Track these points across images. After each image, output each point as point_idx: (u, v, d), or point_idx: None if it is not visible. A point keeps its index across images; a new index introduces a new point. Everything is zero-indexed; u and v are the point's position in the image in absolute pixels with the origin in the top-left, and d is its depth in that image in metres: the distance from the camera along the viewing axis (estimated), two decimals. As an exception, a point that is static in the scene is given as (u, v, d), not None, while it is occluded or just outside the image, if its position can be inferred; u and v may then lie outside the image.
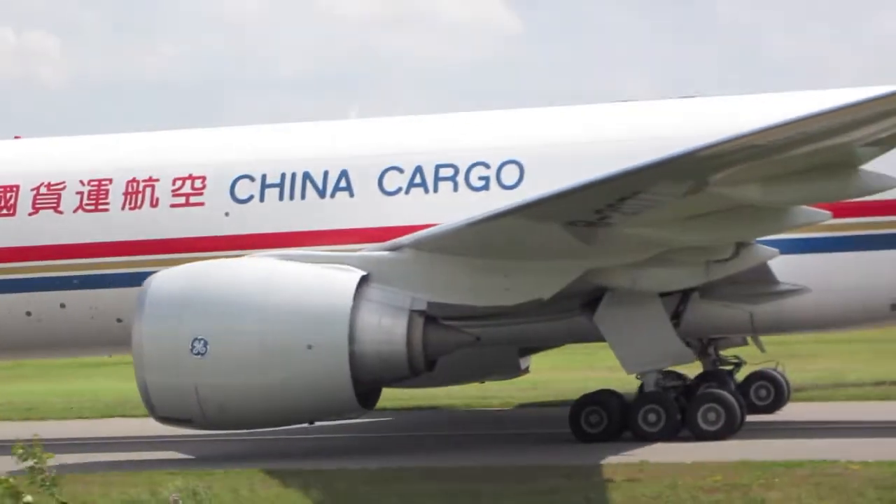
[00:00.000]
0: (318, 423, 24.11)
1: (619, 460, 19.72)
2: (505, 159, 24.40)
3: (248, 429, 23.41)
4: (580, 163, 21.80)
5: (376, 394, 23.41)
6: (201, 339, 21.76)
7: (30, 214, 25.47)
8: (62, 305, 24.93)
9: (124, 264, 24.84)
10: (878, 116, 17.66)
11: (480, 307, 22.69)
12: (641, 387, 23.39)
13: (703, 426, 22.82)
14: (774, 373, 28.76)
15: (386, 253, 22.85)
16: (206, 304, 22.08)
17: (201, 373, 21.79)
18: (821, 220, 21.47)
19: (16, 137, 28.77)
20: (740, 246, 22.20)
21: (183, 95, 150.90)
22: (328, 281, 22.22)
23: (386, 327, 21.83)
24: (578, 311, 23.47)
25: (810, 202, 20.91)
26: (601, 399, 24.01)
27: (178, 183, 25.26)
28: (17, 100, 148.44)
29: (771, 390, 28.40)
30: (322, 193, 24.74)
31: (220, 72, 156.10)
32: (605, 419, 23.43)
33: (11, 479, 12.66)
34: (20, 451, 11.78)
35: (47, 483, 12.07)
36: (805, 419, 26.48)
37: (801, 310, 23.93)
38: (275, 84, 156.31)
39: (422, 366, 22.15)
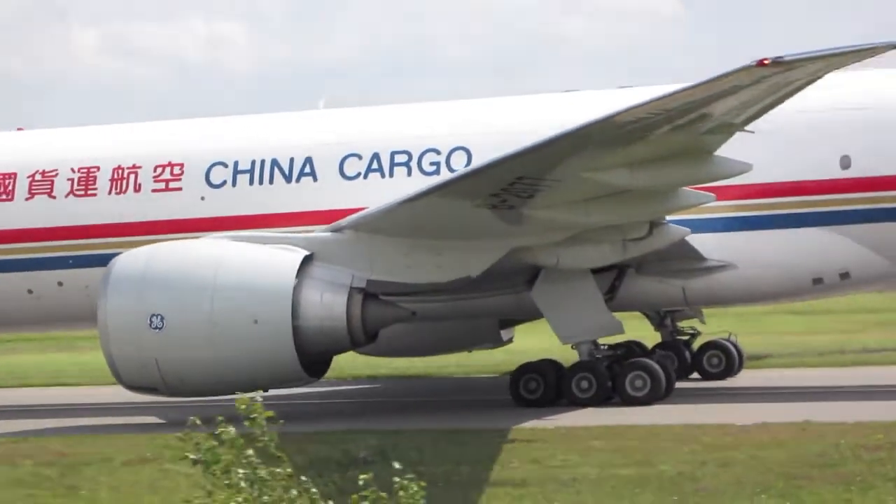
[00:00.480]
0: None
1: (783, 419, 20.98)
2: (454, 146, 26.37)
3: (207, 396, 24.28)
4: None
5: (325, 364, 25.30)
6: (158, 314, 23.74)
7: (27, 200, 27.89)
8: (60, 283, 27.20)
9: (113, 245, 26.37)
10: (728, 92, 19.48)
11: (414, 284, 24.63)
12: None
13: (631, 392, 24.87)
14: (727, 342, 31.03)
15: (328, 234, 24.82)
16: (162, 282, 24.07)
17: (160, 346, 23.81)
18: (705, 202, 23.72)
19: (18, 129, 31.38)
20: (654, 225, 24.14)
21: (358, 80, 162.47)
22: (273, 260, 24.29)
23: (327, 303, 23.90)
24: (524, 287, 25.33)
25: (673, 187, 23.00)
26: (540, 367, 26.28)
27: (159, 170, 27.55)
28: (207, 83, 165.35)
29: (722, 358, 30.74)
30: (288, 179, 27.04)
31: (398, 58, 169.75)
32: (541, 386, 25.73)
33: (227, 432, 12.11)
34: (243, 406, 11.97)
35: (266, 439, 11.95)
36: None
37: (729, 284, 25.92)
38: (451, 67, 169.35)
39: (362, 339, 24.42)
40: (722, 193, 24.21)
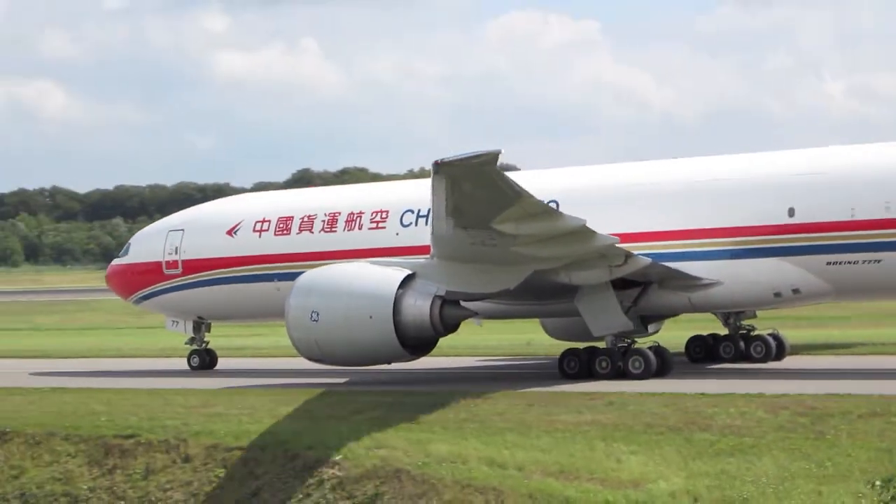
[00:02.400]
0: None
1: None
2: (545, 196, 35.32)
3: (350, 366, 38.93)
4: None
5: (427, 347, 36.94)
6: (316, 311, 36.22)
7: (297, 234, 43.18)
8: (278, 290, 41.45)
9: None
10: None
11: (473, 293, 36.41)
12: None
13: (632, 370, 36.35)
14: (769, 336, 42.20)
15: (424, 260, 36.84)
16: (318, 290, 36.79)
17: (317, 332, 36.35)
18: (612, 242, 34.77)
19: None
20: (628, 256, 35.73)
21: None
22: (385, 276, 36.29)
23: (419, 306, 35.62)
24: (570, 297, 37.02)
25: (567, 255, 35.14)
26: (577, 352, 37.71)
27: (374, 214, 42.13)
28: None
29: (762, 348, 41.90)
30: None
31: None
32: (577, 364, 37.22)
33: None
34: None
35: None
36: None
37: (718, 296, 37.92)
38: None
39: (441, 330, 35.91)
40: (712, 234, 37.55)
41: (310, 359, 37.60)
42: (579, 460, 25.47)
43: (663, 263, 36.73)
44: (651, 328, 40.08)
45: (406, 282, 35.64)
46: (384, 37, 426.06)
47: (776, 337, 42.03)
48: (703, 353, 42.48)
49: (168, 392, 37.27)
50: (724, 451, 25.69)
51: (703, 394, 31.09)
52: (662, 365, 36.72)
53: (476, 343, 51.04)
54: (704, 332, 43.45)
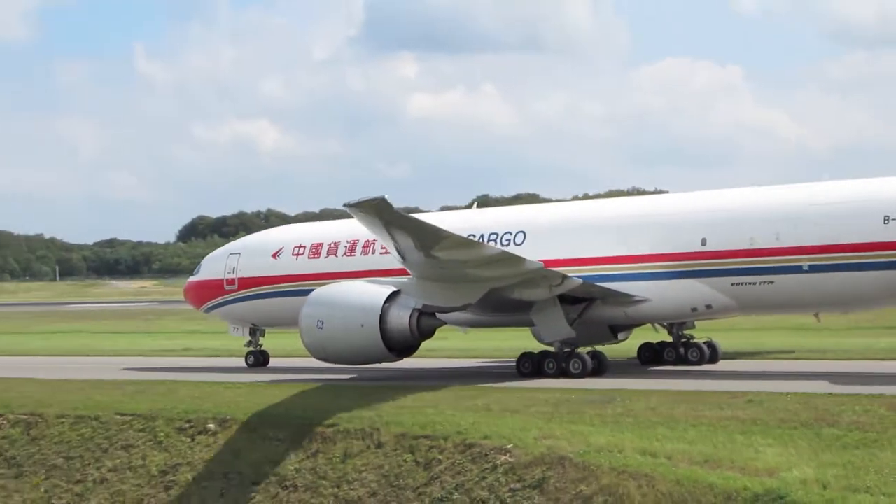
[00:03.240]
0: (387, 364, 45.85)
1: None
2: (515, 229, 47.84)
3: (348, 365, 45.99)
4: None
5: (414, 349, 44.68)
6: (321, 320, 43.87)
7: (325, 258, 52.08)
8: None
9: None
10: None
11: (444, 307, 43.96)
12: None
13: (572, 371, 43.78)
14: (703, 344, 49.16)
15: (406, 279, 44.11)
16: (324, 302, 44.52)
17: (322, 337, 44.00)
18: (536, 267, 42.37)
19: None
20: (564, 277, 43.16)
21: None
22: (376, 291, 44.09)
23: (401, 316, 43.39)
24: (527, 311, 44.58)
25: (504, 277, 42.96)
26: (531, 355, 45.29)
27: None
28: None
29: (697, 354, 48.95)
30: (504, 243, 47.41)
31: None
32: (530, 365, 44.87)
33: None
34: None
35: None
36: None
37: (648, 310, 45.30)
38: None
39: (419, 337, 43.86)
40: (643, 259, 45.02)
41: (317, 358, 45.51)
42: (721, 451, 27.91)
43: (594, 283, 44.45)
44: (620, 336, 48.01)
45: (392, 297, 43.57)
46: (553, 81, 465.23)
47: (710, 345, 49.09)
48: (650, 357, 49.75)
49: (366, 388, 41.57)
50: (850, 444, 28.04)
51: (831, 394, 34.08)
52: (599, 366, 44.30)
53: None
54: (654, 341, 50.77)
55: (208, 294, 55.79)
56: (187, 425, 36.93)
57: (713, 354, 48.83)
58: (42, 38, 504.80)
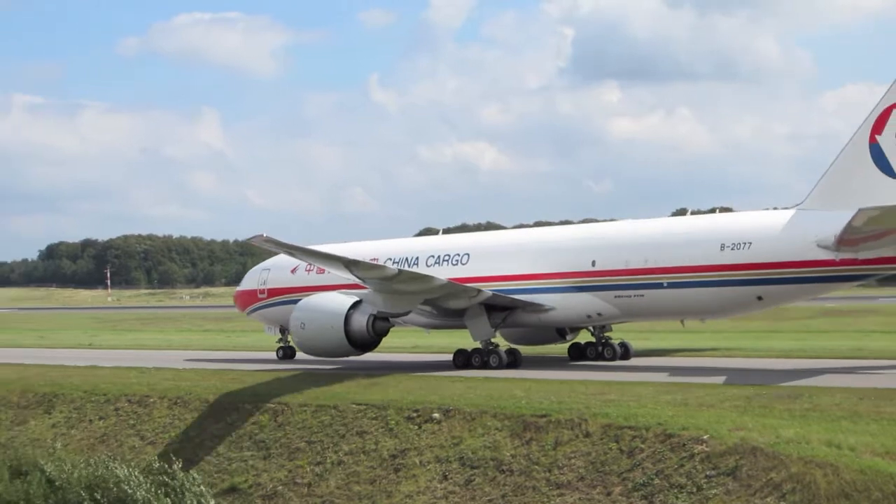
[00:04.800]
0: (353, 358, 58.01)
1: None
2: (462, 251, 59.59)
3: (325, 357, 58.29)
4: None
5: (372, 346, 56.09)
6: (304, 323, 55.69)
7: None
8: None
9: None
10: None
11: (391, 312, 55.04)
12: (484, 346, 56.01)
13: (491, 364, 54.61)
14: (617, 344, 59.01)
15: (367, 292, 54.81)
16: (306, 308, 56.39)
17: (304, 336, 56.05)
18: (444, 283, 53.48)
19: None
20: (479, 291, 54.34)
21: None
22: (342, 300, 55.65)
23: (360, 320, 54.88)
24: (461, 316, 55.91)
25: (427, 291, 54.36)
26: (463, 351, 56.22)
27: (372, 260, 57.43)
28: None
29: (612, 352, 58.84)
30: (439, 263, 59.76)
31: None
32: (462, 359, 55.84)
33: None
34: None
35: None
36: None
37: (554, 317, 55.80)
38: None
39: (375, 338, 55.43)
40: (550, 276, 55.39)
41: (303, 352, 58.45)
42: (902, 443, 29.95)
43: (503, 294, 55.20)
44: (569, 336, 61.03)
45: (355, 305, 55.25)
46: (743, 105, 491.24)
47: (623, 345, 59.20)
48: (577, 354, 60.17)
49: (573, 382, 44.49)
50: None
51: None
52: (514, 361, 55.28)
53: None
54: (583, 341, 61.02)
55: (248, 300, 68.64)
56: (415, 414, 40.52)
57: (625, 352, 58.90)
58: (289, 72, 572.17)
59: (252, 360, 62.84)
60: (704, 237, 51.63)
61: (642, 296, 52.86)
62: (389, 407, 41.65)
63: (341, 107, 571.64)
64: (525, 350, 59.57)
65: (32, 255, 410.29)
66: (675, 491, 31.45)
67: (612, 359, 58.38)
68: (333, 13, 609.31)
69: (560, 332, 60.30)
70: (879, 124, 46.41)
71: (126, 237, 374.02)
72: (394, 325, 56.86)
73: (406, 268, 58.05)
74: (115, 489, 39.88)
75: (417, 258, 60.57)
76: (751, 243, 50.00)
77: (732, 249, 50.42)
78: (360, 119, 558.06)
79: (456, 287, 53.79)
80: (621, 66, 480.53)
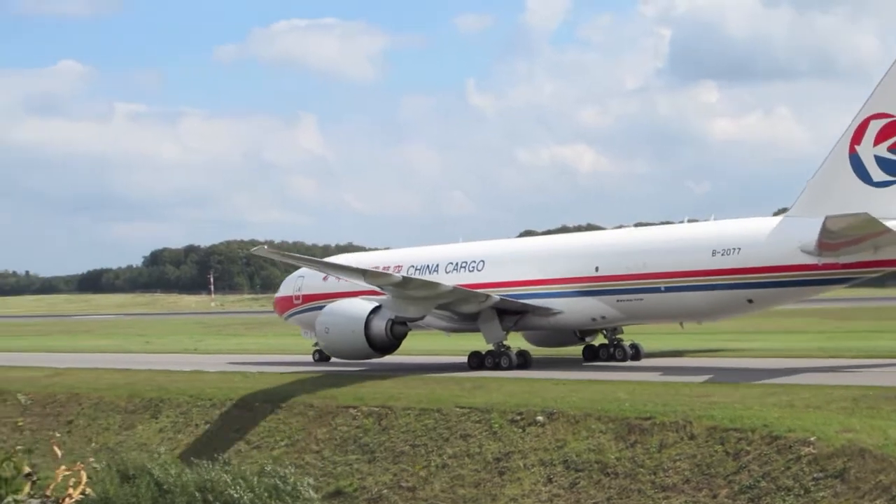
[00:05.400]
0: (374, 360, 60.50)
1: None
2: (478, 258, 62.64)
3: (349, 359, 61.29)
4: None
5: (391, 349, 58.93)
6: (328, 326, 59.06)
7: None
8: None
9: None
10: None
11: (407, 317, 58.13)
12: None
13: (502, 365, 57.65)
14: (628, 346, 61.84)
15: (385, 297, 58.31)
16: (330, 314, 59.54)
17: (329, 339, 59.49)
18: (451, 289, 57.52)
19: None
20: (488, 296, 57.84)
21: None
22: (363, 306, 58.78)
23: (379, 325, 57.89)
24: (475, 320, 59.35)
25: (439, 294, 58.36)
26: (477, 353, 59.43)
27: (395, 269, 63.37)
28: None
29: (623, 354, 61.67)
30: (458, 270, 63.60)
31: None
32: (476, 361, 58.95)
33: None
34: None
35: None
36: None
37: (562, 320, 58.79)
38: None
39: (393, 341, 58.47)
40: (558, 282, 58.33)
41: (329, 354, 63.19)
42: None
43: (510, 299, 58.55)
44: (588, 339, 64.00)
45: (375, 310, 58.13)
46: (842, 103, 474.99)
47: (634, 346, 61.97)
48: (590, 355, 62.88)
49: (675, 384, 44.34)
50: None
51: None
52: (524, 362, 58.24)
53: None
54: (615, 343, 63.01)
55: (285, 306, 72.17)
56: (518, 417, 40.73)
57: (635, 354, 61.64)
58: (385, 76, 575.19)
59: (353, 365, 63.26)
60: (697, 244, 55.00)
61: (641, 299, 55.97)
62: (493, 410, 41.90)
63: (438, 110, 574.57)
64: (541, 352, 64.44)
65: (137, 261, 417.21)
66: (782, 494, 31.41)
67: (623, 359, 61.19)
68: (429, 18, 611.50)
69: (579, 335, 63.78)
70: (858, 135, 49.22)
71: (228, 242, 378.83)
72: (412, 329, 59.70)
73: (427, 274, 62.79)
74: (222, 494, 40.47)
75: (437, 265, 63.93)
76: (740, 249, 53.07)
77: (723, 255, 53.47)
78: (458, 122, 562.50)
79: (464, 292, 57.86)
80: (719, 65, 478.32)
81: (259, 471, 41.82)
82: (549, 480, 36.92)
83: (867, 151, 49.00)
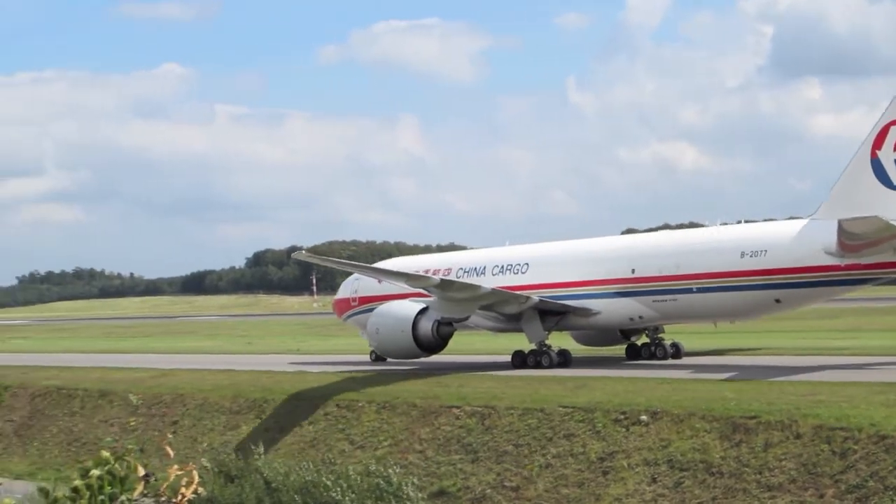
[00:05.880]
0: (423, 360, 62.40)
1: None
2: (523, 261, 64.61)
3: (397, 359, 64.11)
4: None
5: (438, 348, 61.12)
6: (378, 327, 61.82)
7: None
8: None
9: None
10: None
11: (452, 317, 60.36)
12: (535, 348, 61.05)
13: (543, 364, 59.42)
14: (668, 344, 62.88)
15: (433, 299, 60.68)
16: (380, 315, 62.26)
17: (379, 339, 62.58)
18: (489, 291, 59.67)
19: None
20: (528, 297, 59.88)
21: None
22: (411, 307, 61.24)
23: (426, 325, 60.28)
24: (518, 320, 61.39)
25: (478, 297, 60.45)
26: (520, 353, 61.12)
27: (445, 272, 66.05)
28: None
29: (664, 352, 62.55)
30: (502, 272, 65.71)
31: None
32: (520, 360, 60.67)
33: None
34: None
35: None
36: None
37: (601, 320, 60.64)
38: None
39: (439, 341, 60.75)
40: (597, 283, 60.18)
41: (379, 354, 65.71)
42: None
43: (549, 300, 60.50)
44: (632, 338, 64.88)
45: (422, 311, 60.45)
46: None
47: (674, 345, 63.08)
48: (633, 354, 64.26)
49: (782, 383, 43.95)
50: None
51: None
52: (564, 361, 59.79)
53: None
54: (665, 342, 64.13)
55: (343, 308, 74.59)
56: (622, 417, 40.81)
57: (676, 352, 62.70)
58: (485, 77, 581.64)
59: (454, 365, 63.53)
60: (726, 246, 57.06)
61: (675, 300, 57.85)
62: (596, 409, 41.99)
63: (539, 110, 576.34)
64: (584, 351, 67.07)
65: (240, 262, 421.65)
66: (891, 493, 31.26)
67: (664, 358, 62.29)
68: (529, 18, 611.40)
69: (625, 335, 65.34)
70: (879, 140, 50.89)
71: (330, 243, 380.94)
72: (457, 330, 61.89)
73: (474, 277, 65.19)
74: (325, 494, 40.98)
75: (485, 267, 66.24)
76: (766, 251, 54.95)
77: (751, 256, 55.30)
78: (558, 122, 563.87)
79: (504, 294, 60.31)
80: (821, 61, 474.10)
81: (363, 471, 42.26)
82: (654, 480, 37.00)
83: (888, 156, 50.64)
